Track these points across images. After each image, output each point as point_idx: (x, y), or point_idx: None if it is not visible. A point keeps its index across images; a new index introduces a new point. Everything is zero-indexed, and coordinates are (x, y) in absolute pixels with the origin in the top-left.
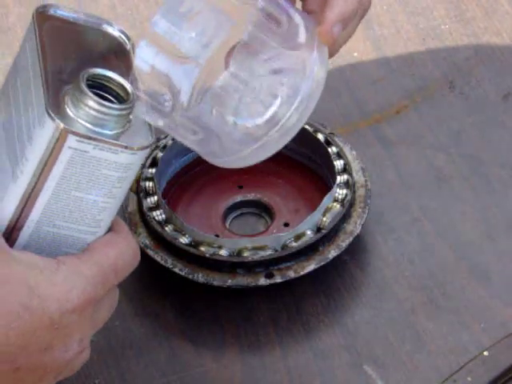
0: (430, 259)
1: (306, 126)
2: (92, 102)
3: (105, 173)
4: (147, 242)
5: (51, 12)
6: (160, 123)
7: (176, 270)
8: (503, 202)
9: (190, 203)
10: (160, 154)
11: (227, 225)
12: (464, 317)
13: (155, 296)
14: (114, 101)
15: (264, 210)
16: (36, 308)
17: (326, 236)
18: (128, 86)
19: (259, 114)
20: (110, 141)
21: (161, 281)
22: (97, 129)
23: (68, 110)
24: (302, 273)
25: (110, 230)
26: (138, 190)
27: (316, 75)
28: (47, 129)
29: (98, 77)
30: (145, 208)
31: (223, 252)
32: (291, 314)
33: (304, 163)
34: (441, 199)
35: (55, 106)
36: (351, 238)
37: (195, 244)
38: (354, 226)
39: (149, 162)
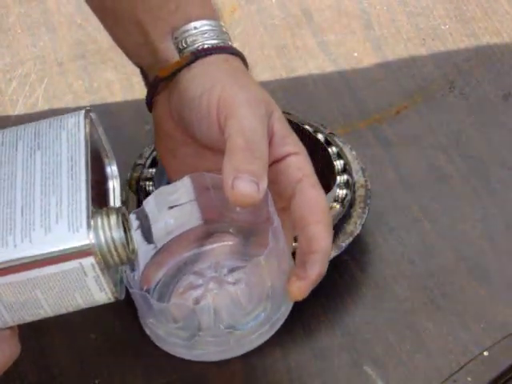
0: (430, 259)
1: (306, 126)
2: (122, 245)
3: (76, 297)
4: None
5: (92, 118)
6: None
7: None
8: (503, 202)
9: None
10: None
11: None
12: (464, 317)
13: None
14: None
15: None
16: None
17: None
18: (136, 245)
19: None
20: (111, 281)
21: None
22: (108, 265)
23: (97, 230)
24: None
25: None
26: (138, 190)
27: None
28: (77, 238)
29: (125, 218)
30: None
31: None
32: (291, 314)
33: None
34: (441, 199)
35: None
36: (351, 239)
37: None
38: (354, 226)
39: (149, 162)
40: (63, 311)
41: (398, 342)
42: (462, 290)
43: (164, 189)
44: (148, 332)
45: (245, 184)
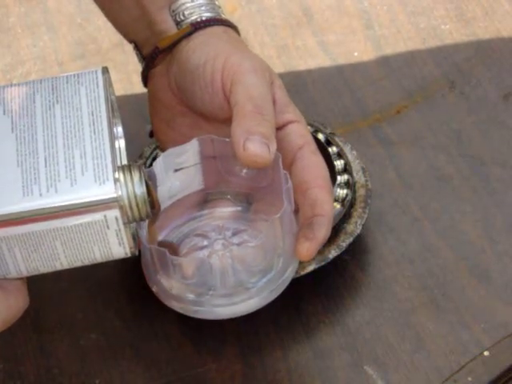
0: (430, 259)
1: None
2: (143, 201)
3: (94, 250)
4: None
5: (108, 78)
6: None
7: None
8: (503, 202)
9: None
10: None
11: None
12: (464, 317)
13: (155, 296)
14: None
15: None
16: None
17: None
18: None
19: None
20: (130, 235)
21: None
22: (130, 219)
23: (122, 183)
24: (302, 273)
25: None
26: None
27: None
28: (104, 189)
29: (146, 175)
30: None
31: None
32: (291, 314)
33: None
34: (441, 199)
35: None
36: (352, 238)
37: None
38: (354, 226)
39: (149, 161)
40: (78, 264)
41: (398, 342)
42: (462, 289)
43: (173, 150)
44: (155, 290)
45: (256, 145)
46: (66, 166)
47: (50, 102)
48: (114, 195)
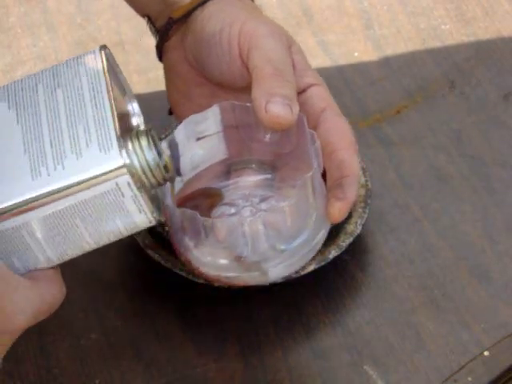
0: (430, 259)
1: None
2: (154, 159)
3: (116, 222)
4: (147, 241)
5: (108, 53)
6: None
7: (176, 270)
8: (503, 202)
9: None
10: None
11: None
12: (464, 317)
13: (155, 296)
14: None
15: None
16: None
17: (327, 236)
18: (172, 163)
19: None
20: (148, 199)
21: (161, 281)
22: (144, 183)
23: (130, 150)
24: (302, 273)
25: None
26: None
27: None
28: (110, 157)
29: (156, 138)
30: None
31: None
32: (292, 314)
33: None
34: (441, 199)
35: (122, 141)
36: (352, 238)
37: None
38: (354, 226)
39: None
40: (105, 240)
41: (399, 342)
42: (462, 289)
43: (194, 117)
44: (186, 259)
45: (279, 106)
46: (71, 142)
47: (51, 88)
48: (121, 161)
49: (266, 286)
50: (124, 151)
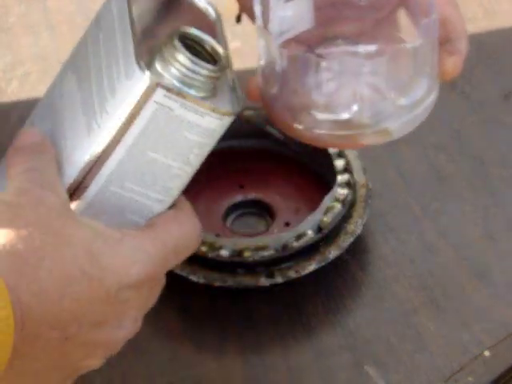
0: (430, 259)
1: None
2: (184, 58)
3: (186, 135)
4: None
5: None
6: None
7: (176, 270)
8: (504, 202)
9: (191, 203)
10: None
11: (228, 224)
12: (465, 317)
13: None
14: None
15: (265, 210)
16: (95, 277)
17: (327, 236)
18: (221, 49)
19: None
20: (199, 100)
21: None
22: (185, 88)
23: (157, 65)
24: (302, 273)
25: (172, 205)
26: None
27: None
28: (135, 80)
29: (190, 37)
30: None
31: (224, 252)
32: (292, 314)
33: (305, 163)
34: (442, 199)
35: (144, 60)
36: (352, 238)
37: None
38: (354, 226)
39: None
40: (193, 157)
41: (399, 342)
42: (463, 289)
43: None
44: (300, 124)
45: None
46: (109, 83)
47: (96, 34)
48: (146, 80)
49: (266, 286)
50: (146, 70)
